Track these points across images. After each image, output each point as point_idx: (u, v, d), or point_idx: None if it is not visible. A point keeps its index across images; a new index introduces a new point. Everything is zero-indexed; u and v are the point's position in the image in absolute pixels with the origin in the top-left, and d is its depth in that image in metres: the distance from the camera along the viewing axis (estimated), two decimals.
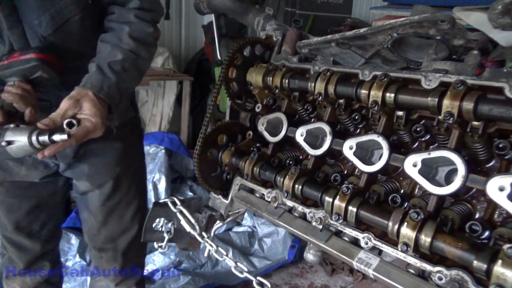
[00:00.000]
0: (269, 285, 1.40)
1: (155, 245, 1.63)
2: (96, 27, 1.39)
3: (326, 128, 1.23)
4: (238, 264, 1.45)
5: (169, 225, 1.59)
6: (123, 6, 1.37)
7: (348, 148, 1.14)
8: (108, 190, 1.63)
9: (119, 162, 1.59)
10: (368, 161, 1.13)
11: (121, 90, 1.33)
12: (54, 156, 1.50)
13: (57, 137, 1.10)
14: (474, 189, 1.01)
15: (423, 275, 0.95)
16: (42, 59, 1.25)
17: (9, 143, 1.08)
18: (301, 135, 1.28)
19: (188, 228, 1.52)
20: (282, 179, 1.26)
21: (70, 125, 1.16)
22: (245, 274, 1.43)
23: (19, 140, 1.09)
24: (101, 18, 1.42)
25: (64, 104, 1.19)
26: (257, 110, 1.54)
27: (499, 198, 0.83)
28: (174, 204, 1.56)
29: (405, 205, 1.10)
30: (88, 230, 1.75)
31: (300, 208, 1.24)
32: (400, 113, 1.09)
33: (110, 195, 1.64)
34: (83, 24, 1.30)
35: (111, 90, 1.29)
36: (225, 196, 1.56)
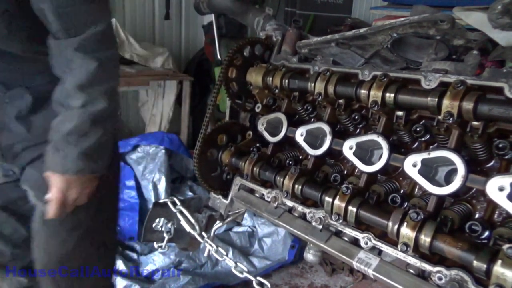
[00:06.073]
0: (269, 285, 1.40)
1: (155, 245, 1.64)
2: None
3: (326, 128, 1.23)
4: (238, 264, 1.45)
5: (169, 225, 1.60)
6: (57, 39, 1.06)
7: (348, 148, 1.14)
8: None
9: None
10: (368, 161, 1.13)
11: (95, 151, 1.14)
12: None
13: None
14: (474, 189, 1.01)
15: (423, 275, 0.95)
16: None
17: None
18: (301, 135, 1.28)
19: (188, 228, 1.52)
20: (282, 179, 1.26)
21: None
22: (245, 274, 1.43)
23: None
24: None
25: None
26: (257, 110, 1.54)
27: (499, 198, 0.83)
28: (174, 204, 1.56)
29: (405, 205, 1.10)
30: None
31: (300, 208, 1.24)
32: (400, 113, 1.08)
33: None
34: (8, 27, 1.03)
35: (78, 161, 1.11)
36: (225, 196, 1.56)
